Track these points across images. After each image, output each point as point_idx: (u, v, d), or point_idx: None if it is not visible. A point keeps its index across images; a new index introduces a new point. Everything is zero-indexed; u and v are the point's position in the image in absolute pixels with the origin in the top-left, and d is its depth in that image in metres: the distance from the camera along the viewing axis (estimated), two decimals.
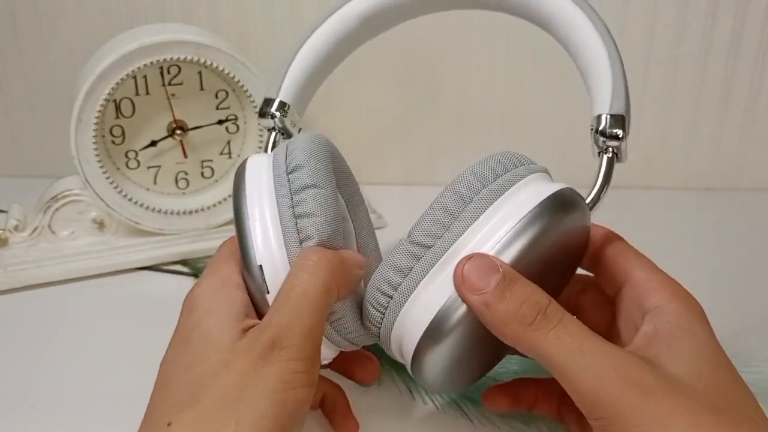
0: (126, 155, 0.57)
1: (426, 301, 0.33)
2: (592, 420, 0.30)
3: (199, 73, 0.56)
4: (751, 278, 0.56)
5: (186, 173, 0.59)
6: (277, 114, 0.43)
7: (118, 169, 0.57)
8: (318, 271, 0.32)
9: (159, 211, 0.57)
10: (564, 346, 0.30)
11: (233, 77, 0.55)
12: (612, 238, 0.38)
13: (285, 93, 0.43)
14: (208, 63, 0.54)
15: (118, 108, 0.56)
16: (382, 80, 0.68)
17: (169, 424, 0.29)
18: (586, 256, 0.38)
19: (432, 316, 0.32)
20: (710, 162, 0.69)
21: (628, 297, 0.35)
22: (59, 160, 0.60)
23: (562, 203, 0.33)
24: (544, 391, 0.39)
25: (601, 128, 0.35)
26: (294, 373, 0.30)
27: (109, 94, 0.53)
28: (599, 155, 0.36)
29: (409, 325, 0.33)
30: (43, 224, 0.56)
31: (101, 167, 0.54)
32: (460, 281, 0.32)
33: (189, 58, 0.54)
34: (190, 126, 0.58)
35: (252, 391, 0.30)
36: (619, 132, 0.36)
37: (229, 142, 0.59)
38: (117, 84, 0.53)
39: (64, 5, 0.66)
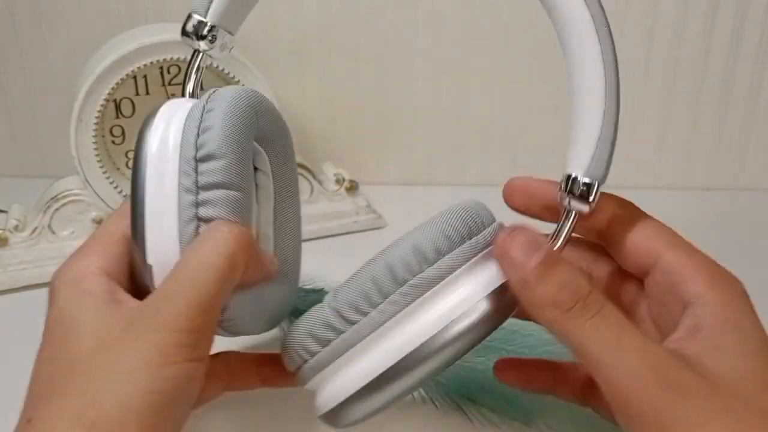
0: (126, 155, 0.57)
1: (342, 382, 0.32)
2: (623, 417, 0.29)
3: None
4: (751, 278, 0.56)
5: None
6: (205, 35, 0.36)
7: (118, 169, 0.57)
8: (226, 242, 0.29)
9: None
10: (600, 337, 0.28)
11: (233, 77, 0.55)
12: (627, 210, 0.34)
13: (214, 13, 0.36)
14: (208, 63, 0.54)
15: (118, 108, 0.56)
16: (382, 80, 0.68)
17: (28, 420, 0.27)
18: (594, 231, 0.34)
19: (348, 395, 0.32)
20: (710, 162, 0.69)
21: (661, 283, 0.32)
22: (59, 160, 0.60)
23: (494, 316, 0.31)
24: (563, 376, 0.37)
25: (569, 189, 0.32)
26: (177, 346, 0.27)
27: (109, 94, 0.53)
28: (562, 208, 0.33)
29: (325, 389, 0.33)
30: (43, 224, 0.56)
31: (101, 167, 0.54)
32: (501, 252, 0.30)
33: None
34: None
35: (124, 367, 0.27)
36: (591, 198, 0.32)
37: None
38: (117, 84, 0.53)
39: (64, 5, 0.66)
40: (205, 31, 0.36)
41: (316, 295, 0.51)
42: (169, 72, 0.56)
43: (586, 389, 0.36)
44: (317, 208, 0.63)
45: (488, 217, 0.33)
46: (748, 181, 0.70)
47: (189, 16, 0.36)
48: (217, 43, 0.36)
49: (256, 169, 0.37)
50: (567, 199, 0.32)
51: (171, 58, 0.54)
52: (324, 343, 0.32)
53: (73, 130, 0.53)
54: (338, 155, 0.69)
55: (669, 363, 0.28)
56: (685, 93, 0.67)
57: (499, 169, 0.70)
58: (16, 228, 0.56)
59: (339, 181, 0.64)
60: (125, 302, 0.30)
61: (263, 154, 0.37)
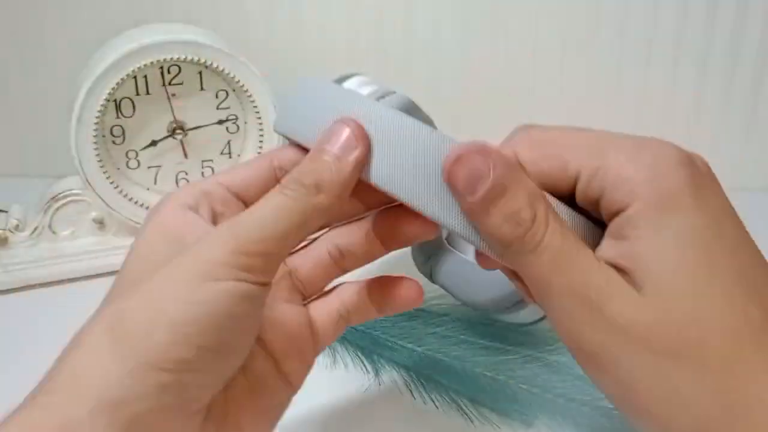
0: (126, 155, 0.57)
1: None
2: (580, 360, 0.27)
3: (200, 73, 0.56)
4: None
5: (186, 173, 0.59)
6: None
7: (119, 168, 0.57)
8: (304, 198, 0.28)
9: None
10: (536, 277, 0.26)
11: (233, 77, 0.55)
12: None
13: None
14: (209, 63, 0.54)
15: (118, 108, 0.56)
16: (382, 80, 0.68)
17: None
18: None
19: None
20: (710, 162, 0.69)
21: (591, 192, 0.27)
22: (59, 159, 0.60)
23: None
24: None
25: None
26: (225, 265, 0.26)
27: (109, 93, 0.53)
28: None
29: None
30: (44, 224, 0.56)
31: (101, 167, 0.54)
32: (447, 179, 0.28)
33: (189, 58, 0.54)
34: (190, 126, 0.58)
35: (164, 279, 0.27)
36: None
37: (229, 142, 0.59)
38: (117, 84, 0.53)
39: (64, 5, 0.66)
40: None
41: None
42: (169, 72, 0.56)
43: None
44: None
45: None
46: (748, 181, 0.70)
47: None
48: None
49: None
50: None
51: (171, 58, 0.54)
52: None
53: (73, 130, 0.53)
54: None
55: (604, 296, 0.25)
56: (686, 93, 0.67)
57: None
58: (16, 228, 0.56)
59: None
60: (196, 234, 0.29)
61: None
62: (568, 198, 0.28)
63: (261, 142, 0.58)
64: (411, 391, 0.43)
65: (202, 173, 0.60)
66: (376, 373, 0.45)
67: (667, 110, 0.67)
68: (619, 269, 0.25)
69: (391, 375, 0.44)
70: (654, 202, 0.25)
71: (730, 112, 0.67)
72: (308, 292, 0.34)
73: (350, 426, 0.41)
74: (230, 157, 0.60)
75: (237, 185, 0.32)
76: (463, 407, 0.42)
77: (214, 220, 0.31)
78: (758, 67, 0.65)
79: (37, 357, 0.47)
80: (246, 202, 0.32)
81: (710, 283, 0.24)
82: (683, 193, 0.25)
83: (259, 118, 0.57)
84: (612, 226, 0.26)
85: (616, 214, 0.26)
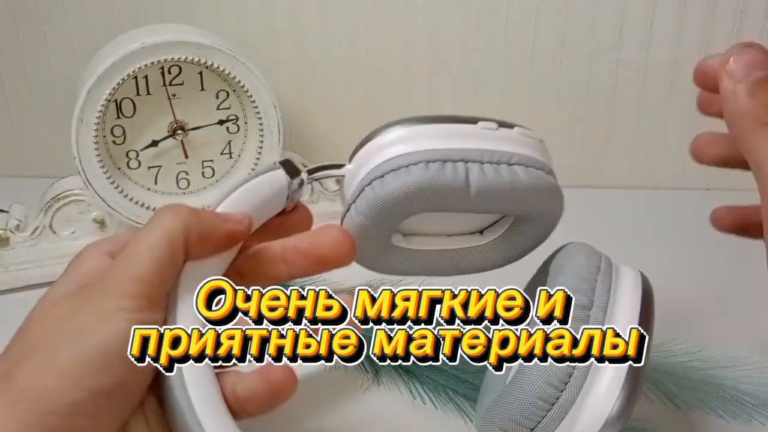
0: (127, 155, 0.57)
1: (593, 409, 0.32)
2: None
3: (200, 73, 0.57)
4: (750, 278, 0.56)
5: (187, 173, 0.59)
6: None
7: (119, 169, 0.57)
8: (164, 225, 0.31)
9: None
10: None
11: (234, 77, 0.55)
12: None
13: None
14: (209, 63, 0.54)
15: (119, 108, 0.56)
16: (382, 80, 0.68)
17: None
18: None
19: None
20: None
21: None
22: (60, 160, 0.60)
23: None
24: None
25: None
26: (116, 310, 0.28)
27: (110, 94, 0.53)
28: None
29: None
30: (44, 224, 0.56)
31: (102, 167, 0.54)
32: (725, 61, 0.33)
33: (190, 58, 0.54)
34: (190, 126, 0.58)
35: (58, 328, 0.28)
36: None
37: (229, 143, 0.59)
38: (118, 84, 0.53)
39: (65, 5, 0.66)
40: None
41: None
42: (170, 72, 0.56)
43: None
44: (317, 208, 0.63)
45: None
46: (747, 181, 0.70)
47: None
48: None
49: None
50: None
51: (172, 59, 0.54)
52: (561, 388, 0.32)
53: (74, 130, 0.53)
54: (338, 155, 0.69)
55: None
56: (686, 93, 0.67)
57: None
58: (17, 228, 0.56)
59: (339, 181, 0.64)
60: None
61: None
62: None
63: (261, 142, 0.58)
64: (411, 391, 0.43)
65: (203, 173, 0.60)
66: (376, 373, 0.45)
67: (666, 110, 0.67)
68: None
69: (391, 375, 0.44)
70: None
71: None
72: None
73: (350, 426, 0.42)
74: (230, 157, 0.60)
75: None
76: (463, 407, 0.42)
77: None
78: None
79: None
80: None
81: None
82: None
83: (260, 118, 0.57)
84: None
85: None
